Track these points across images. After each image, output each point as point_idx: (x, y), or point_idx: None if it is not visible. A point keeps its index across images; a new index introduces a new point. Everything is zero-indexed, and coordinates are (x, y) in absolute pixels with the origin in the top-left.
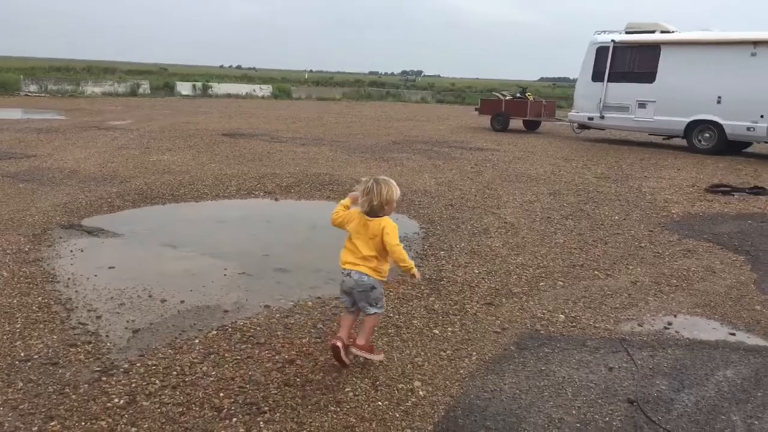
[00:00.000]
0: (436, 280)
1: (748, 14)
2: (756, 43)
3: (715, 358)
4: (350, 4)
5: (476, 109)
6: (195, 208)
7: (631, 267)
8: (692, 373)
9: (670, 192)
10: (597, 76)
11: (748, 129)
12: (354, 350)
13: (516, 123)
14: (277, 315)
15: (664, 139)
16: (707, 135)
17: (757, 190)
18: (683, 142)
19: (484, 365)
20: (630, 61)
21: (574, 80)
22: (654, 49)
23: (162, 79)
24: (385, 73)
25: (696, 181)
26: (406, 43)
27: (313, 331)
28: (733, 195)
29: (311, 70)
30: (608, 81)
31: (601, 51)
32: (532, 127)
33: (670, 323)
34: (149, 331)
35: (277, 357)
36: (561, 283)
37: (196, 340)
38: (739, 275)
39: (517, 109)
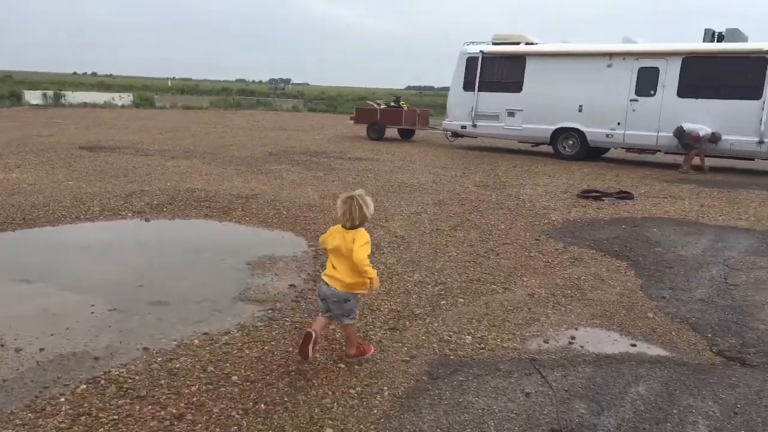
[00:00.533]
0: None
1: (600, 28)
2: (611, 55)
3: (624, 373)
4: (210, 7)
5: (351, 118)
6: (52, 233)
7: (525, 278)
8: (607, 392)
9: (546, 199)
10: (468, 86)
11: (607, 135)
12: (350, 359)
13: (391, 132)
14: (159, 359)
15: (532, 146)
16: (571, 142)
17: (623, 195)
18: (550, 149)
19: (398, 401)
20: (498, 71)
21: (440, 89)
22: (520, 59)
23: (6, 87)
24: (253, 81)
25: (568, 188)
26: (273, 50)
27: (203, 375)
28: (603, 200)
29: (174, 78)
30: (479, 90)
31: (470, 61)
32: (406, 135)
33: (573, 337)
34: (2, 390)
35: (162, 413)
36: (462, 300)
37: (62, 399)
38: (625, 282)
39: (392, 118)
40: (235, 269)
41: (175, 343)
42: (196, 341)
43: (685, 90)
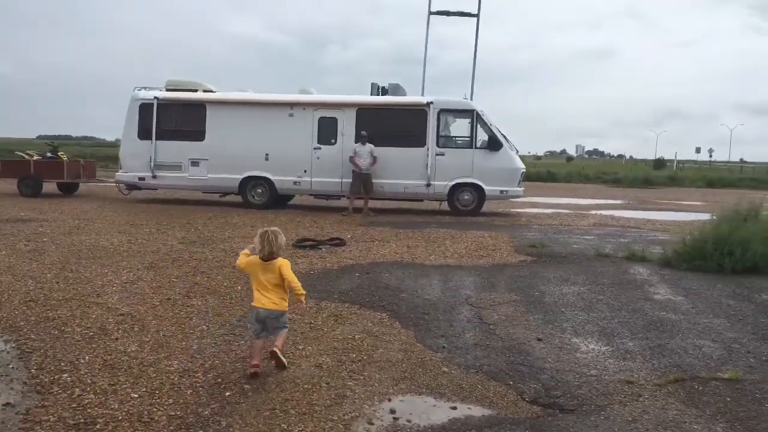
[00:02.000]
0: (84, 425)
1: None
2: (292, 105)
3: None
4: None
5: None
6: None
7: (300, 347)
8: None
9: None
10: (144, 134)
11: (295, 183)
12: (276, 351)
13: (49, 186)
14: None
15: (220, 196)
16: (260, 190)
17: (336, 242)
18: (239, 198)
19: None
20: (178, 118)
21: (78, 137)
22: (200, 107)
23: None
24: None
25: None
26: None
27: None
28: (321, 248)
29: None
30: (157, 139)
31: (144, 108)
32: (69, 190)
33: (393, 411)
34: None
35: None
36: (248, 386)
37: None
38: (399, 335)
39: (51, 171)
40: None
41: None
42: None
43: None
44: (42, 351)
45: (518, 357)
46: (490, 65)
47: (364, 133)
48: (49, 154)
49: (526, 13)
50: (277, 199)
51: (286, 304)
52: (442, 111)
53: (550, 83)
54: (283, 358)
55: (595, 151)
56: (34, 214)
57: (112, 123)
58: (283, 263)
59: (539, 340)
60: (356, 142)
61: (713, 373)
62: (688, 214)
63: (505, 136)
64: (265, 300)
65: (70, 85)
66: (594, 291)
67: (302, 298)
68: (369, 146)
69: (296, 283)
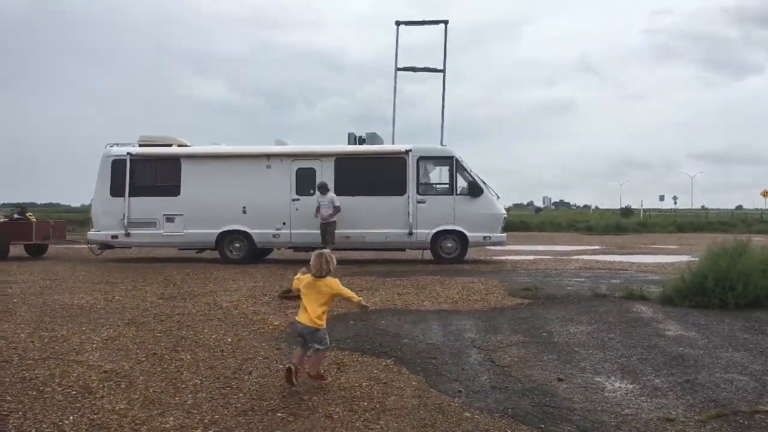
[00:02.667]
0: None
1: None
2: (269, 156)
3: None
4: None
5: None
6: None
7: (306, 398)
8: None
9: (251, 303)
10: (117, 191)
11: (274, 236)
12: (309, 379)
13: (16, 249)
14: None
15: (197, 252)
16: (237, 245)
17: None
18: (216, 254)
19: None
20: (151, 174)
21: (43, 204)
22: (174, 162)
23: None
24: None
25: (262, 290)
26: None
27: None
28: None
29: None
30: (130, 195)
31: (117, 164)
32: (37, 252)
33: None
34: None
35: None
36: None
37: None
38: (409, 381)
39: (18, 233)
40: None
41: None
42: None
43: (342, 188)
44: (21, 413)
45: (543, 398)
46: (453, 121)
47: (323, 182)
48: (16, 216)
49: (485, 70)
50: (255, 254)
51: (323, 324)
52: (422, 158)
53: (512, 137)
54: (295, 380)
55: (561, 202)
56: (1, 276)
57: (77, 189)
58: (334, 280)
59: (560, 380)
60: (318, 192)
61: (754, 406)
62: (670, 257)
63: (485, 182)
64: (305, 316)
65: (33, 152)
66: (602, 330)
67: (362, 303)
68: (330, 195)
69: (350, 294)
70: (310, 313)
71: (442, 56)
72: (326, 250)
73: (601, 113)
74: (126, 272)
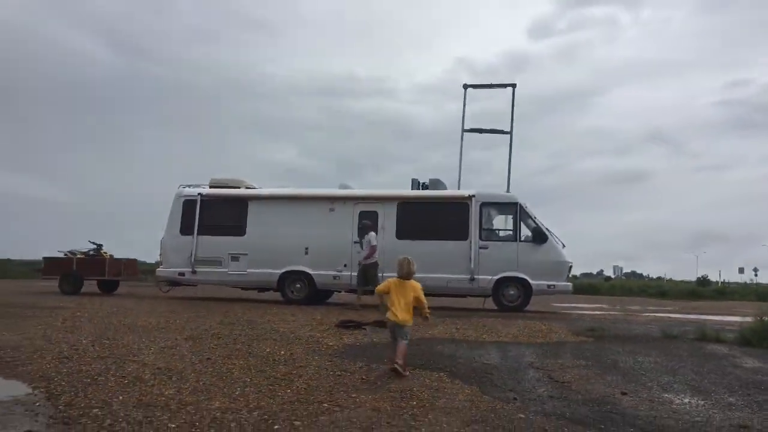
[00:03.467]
0: None
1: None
2: (333, 199)
3: None
4: None
5: (38, 270)
6: None
7: (354, 395)
8: None
9: (308, 330)
10: (186, 230)
11: (334, 278)
12: (397, 367)
13: (90, 286)
14: None
15: (259, 291)
16: (298, 285)
17: (381, 324)
18: (278, 295)
19: None
20: (219, 214)
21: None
22: (242, 202)
23: None
24: None
25: (319, 322)
26: None
27: None
28: (365, 328)
29: None
30: (198, 234)
31: (188, 204)
32: (109, 288)
33: None
34: None
35: None
36: (298, 423)
37: None
38: (462, 389)
39: (92, 269)
40: None
41: None
42: None
43: (403, 232)
44: (72, 393)
45: (604, 407)
46: (519, 188)
47: (365, 222)
48: (91, 252)
49: (552, 139)
50: (315, 295)
51: (410, 320)
52: (485, 204)
53: (580, 206)
54: (402, 371)
55: (633, 273)
56: (72, 305)
57: (155, 246)
58: (417, 285)
59: (624, 394)
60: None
61: None
62: (747, 318)
63: (549, 230)
64: (393, 315)
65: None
66: (672, 361)
67: (428, 314)
68: (369, 235)
69: (425, 301)
70: (399, 311)
71: (509, 120)
72: (408, 256)
73: (675, 184)
74: (189, 306)
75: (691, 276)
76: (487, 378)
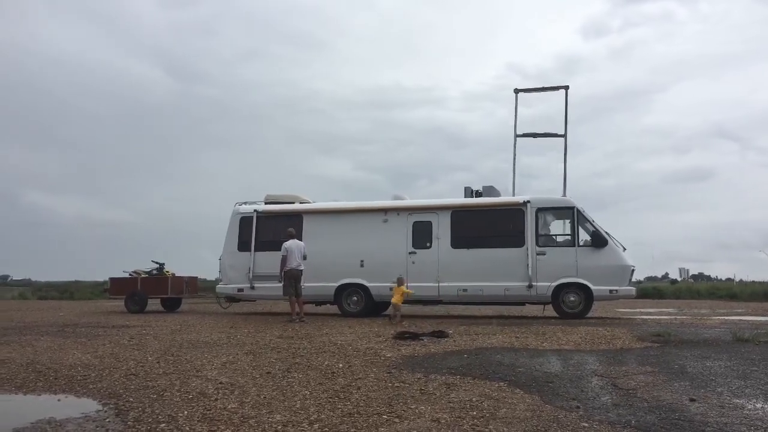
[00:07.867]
0: None
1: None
2: (386, 211)
3: None
4: None
5: (105, 290)
6: None
7: (413, 406)
8: None
9: (365, 342)
10: (243, 246)
11: (391, 289)
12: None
13: (153, 304)
14: None
15: (316, 305)
16: (355, 298)
17: (439, 334)
18: (335, 309)
19: None
20: (275, 229)
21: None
22: (296, 217)
23: None
24: None
25: (377, 334)
26: None
27: None
28: (422, 339)
29: None
30: (255, 250)
31: (244, 221)
32: (172, 306)
33: None
34: None
35: None
36: None
37: None
38: (523, 398)
39: (156, 287)
40: None
41: None
42: None
43: (458, 241)
44: (140, 409)
45: (671, 414)
46: (576, 192)
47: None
48: (154, 271)
49: (609, 140)
50: (373, 307)
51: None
52: (540, 209)
53: (641, 208)
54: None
55: (701, 275)
56: (138, 323)
57: (210, 263)
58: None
59: (692, 400)
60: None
61: None
62: None
63: (608, 234)
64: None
65: (173, 228)
66: (744, 365)
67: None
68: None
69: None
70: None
71: (563, 123)
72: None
73: (741, 181)
74: (250, 321)
75: (763, 276)
76: (548, 387)
